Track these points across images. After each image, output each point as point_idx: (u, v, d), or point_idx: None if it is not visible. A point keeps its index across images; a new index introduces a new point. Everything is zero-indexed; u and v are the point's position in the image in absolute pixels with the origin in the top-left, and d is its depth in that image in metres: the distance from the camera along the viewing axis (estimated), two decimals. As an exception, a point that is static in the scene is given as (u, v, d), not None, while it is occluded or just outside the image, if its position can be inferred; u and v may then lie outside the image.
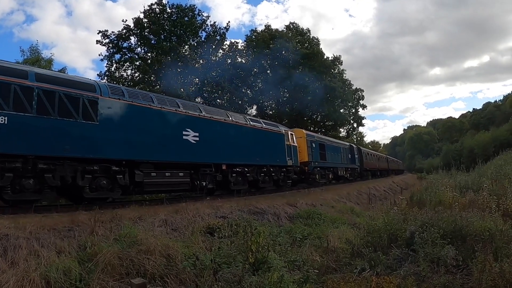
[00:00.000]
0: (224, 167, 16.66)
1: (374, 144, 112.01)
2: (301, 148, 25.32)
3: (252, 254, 7.11)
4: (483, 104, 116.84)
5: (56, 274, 5.61)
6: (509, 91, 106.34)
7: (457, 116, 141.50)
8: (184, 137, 14.54)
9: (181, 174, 14.23)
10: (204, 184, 15.33)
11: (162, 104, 14.00)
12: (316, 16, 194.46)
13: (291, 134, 23.55)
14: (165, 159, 13.78)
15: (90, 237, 7.04)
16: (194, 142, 14.91)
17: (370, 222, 10.34)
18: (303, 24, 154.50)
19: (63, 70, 31.63)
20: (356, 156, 39.87)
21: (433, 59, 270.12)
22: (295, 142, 23.86)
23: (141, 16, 35.17)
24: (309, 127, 45.77)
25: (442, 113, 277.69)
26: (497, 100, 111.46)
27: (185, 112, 14.86)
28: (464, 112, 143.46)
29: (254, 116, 36.20)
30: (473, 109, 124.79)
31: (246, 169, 18.21)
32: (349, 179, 36.10)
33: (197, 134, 15.05)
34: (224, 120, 17.22)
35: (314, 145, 27.56)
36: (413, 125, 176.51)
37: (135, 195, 14.15)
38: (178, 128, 14.44)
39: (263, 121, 21.81)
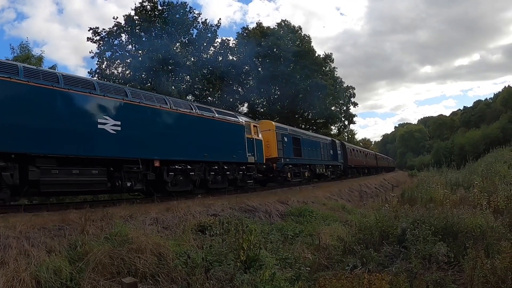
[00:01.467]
0: (157, 163, 13.73)
1: (365, 142, 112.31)
2: (270, 142, 22.76)
3: (244, 252, 7.12)
4: (474, 102, 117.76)
5: (46, 274, 5.57)
6: (499, 89, 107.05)
7: (448, 114, 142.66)
8: (100, 126, 11.72)
9: (94, 171, 11.49)
10: (129, 185, 12.70)
11: (71, 85, 11.31)
12: (307, 14, 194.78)
13: (254, 126, 20.73)
14: (72, 152, 11.10)
15: (81, 236, 6.99)
16: (113, 132, 12.10)
17: (361, 219, 10.41)
18: (295, 22, 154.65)
19: (53, 67, 31.45)
20: (339, 152, 37.31)
21: (424, 57, 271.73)
22: (260, 136, 21.07)
23: (132, 13, 35.07)
24: (300, 125, 45.84)
25: (433, 111, 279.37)
26: (488, 98, 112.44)
27: (103, 96, 12.00)
28: (455, 110, 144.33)
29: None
30: (464, 107, 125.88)
31: (189, 167, 15.20)
32: (331, 178, 33.58)
33: (118, 123, 12.25)
34: (160, 106, 14.22)
35: (286, 139, 24.79)
36: (404, 123, 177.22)
37: (30, 196, 12.30)
38: (91, 115, 11.67)
39: (216, 110, 18.58)
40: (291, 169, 24.69)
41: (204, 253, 7.19)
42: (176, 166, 14.62)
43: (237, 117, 19.60)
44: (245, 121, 19.88)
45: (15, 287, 5.24)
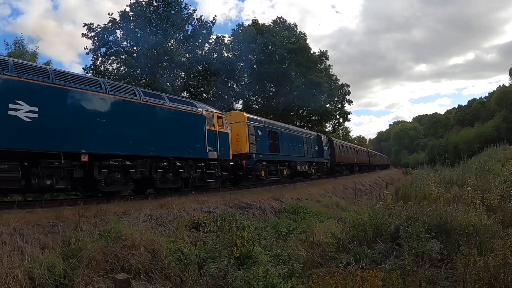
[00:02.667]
0: (85, 158, 11.53)
1: (360, 139, 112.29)
2: (240, 136, 20.53)
3: (237, 249, 7.13)
4: (469, 101, 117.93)
5: (40, 271, 5.57)
6: (494, 88, 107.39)
7: (442, 112, 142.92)
8: (11, 112, 9.82)
9: (3, 167, 9.71)
10: (49, 183, 10.74)
11: None
12: (302, 11, 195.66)
13: (219, 117, 18.02)
14: None
15: (75, 232, 7.00)
16: (28, 120, 10.18)
17: (355, 217, 10.42)
18: (290, 19, 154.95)
19: (47, 63, 31.44)
20: (326, 148, 34.45)
21: (418, 55, 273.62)
22: (227, 128, 18.55)
23: (127, 9, 34.93)
24: (295, 122, 45.88)
25: (428, 109, 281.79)
26: (482, 97, 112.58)
27: (17, 77, 10.05)
28: (450, 108, 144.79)
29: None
30: (459, 105, 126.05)
31: (129, 163, 12.94)
32: (315, 176, 30.88)
33: (34, 109, 10.33)
34: (92, 91, 11.98)
35: (260, 133, 22.22)
36: (399, 121, 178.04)
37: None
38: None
39: (170, 97, 16.15)
40: (265, 166, 22.11)
41: (197, 249, 7.20)
42: (111, 162, 12.35)
43: (195, 106, 16.80)
44: (206, 111, 17.12)
45: (9, 283, 5.23)
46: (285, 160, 25.21)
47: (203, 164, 16.38)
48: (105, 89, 12.39)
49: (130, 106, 13.18)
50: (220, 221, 9.24)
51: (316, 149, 32.37)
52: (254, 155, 20.78)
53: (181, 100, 16.73)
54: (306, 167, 28.53)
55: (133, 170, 13.12)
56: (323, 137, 34.93)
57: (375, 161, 64.40)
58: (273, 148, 23.68)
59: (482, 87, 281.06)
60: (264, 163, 21.89)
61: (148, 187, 14.11)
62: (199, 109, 16.70)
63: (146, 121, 13.65)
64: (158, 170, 14.14)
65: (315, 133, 34.73)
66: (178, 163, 14.96)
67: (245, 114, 22.34)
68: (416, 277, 6.41)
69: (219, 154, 17.12)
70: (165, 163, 14.40)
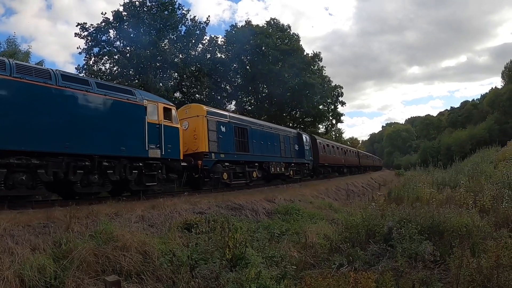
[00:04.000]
0: None
1: (353, 141, 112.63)
2: (198, 132, 17.71)
3: (230, 250, 7.13)
4: (461, 103, 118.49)
5: (30, 272, 5.52)
6: (486, 91, 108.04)
7: (435, 114, 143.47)
8: None
9: None
10: None
11: None
12: (296, 13, 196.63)
13: (165, 108, 15.10)
14: None
15: (66, 233, 6.95)
16: None
17: (348, 218, 10.48)
18: (284, 21, 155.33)
19: (40, 63, 31.22)
20: (307, 147, 31.14)
21: (411, 58, 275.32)
22: (176, 122, 15.65)
23: (121, 9, 34.81)
24: (288, 123, 45.88)
25: (420, 111, 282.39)
26: (475, 99, 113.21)
27: None
28: (442, 110, 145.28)
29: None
30: (451, 107, 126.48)
31: (36, 161, 10.41)
32: (294, 178, 27.34)
33: None
34: None
35: (224, 129, 19.35)
36: (392, 123, 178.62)
37: None
38: None
39: (97, 82, 13.31)
40: (228, 168, 19.23)
41: (189, 251, 7.18)
42: (11, 160, 9.86)
43: (133, 94, 13.91)
44: (148, 100, 14.31)
45: (-2, 285, 5.19)
46: (256, 161, 22.19)
47: (141, 164, 13.63)
48: (9, 71, 10.01)
49: (42, 93, 10.71)
50: (212, 222, 9.22)
51: (296, 148, 29.24)
52: (213, 154, 17.97)
53: (113, 87, 13.87)
54: (283, 168, 25.32)
55: (43, 171, 10.58)
56: (304, 135, 31.78)
57: (366, 162, 63.10)
58: (240, 146, 20.89)
59: (474, 89, 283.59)
60: (227, 164, 19.10)
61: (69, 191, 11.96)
62: (138, 98, 13.88)
63: (63, 111, 11.16)
64: (78, 171, 11.52)
65: (295, 131, 31.96)
66: (105, 163, 12.30)
67: (205, 107, 19.26)
68: (409, 278, 6.42)
69: (163, 153, 14.40)
70: (87, 163, 11.75)
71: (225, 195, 13.94)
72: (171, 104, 16.02)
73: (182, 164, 15.76)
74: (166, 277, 6.61)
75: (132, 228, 8.06)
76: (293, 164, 27.69)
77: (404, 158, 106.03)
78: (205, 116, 18.14)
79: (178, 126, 15.70)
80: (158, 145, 14.17)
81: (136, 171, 13.43)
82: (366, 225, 9.28)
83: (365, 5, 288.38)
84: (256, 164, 22.06)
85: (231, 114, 22.14)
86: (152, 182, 14.23)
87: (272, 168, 23.48)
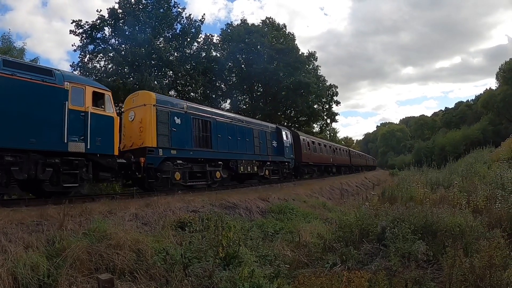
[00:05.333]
0: None
1: (347, 140, 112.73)
2: (144, 124, 15.07)
3: (223, 249, 7.13)
4: (455, 103, 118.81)
5: (23, 270, 5.51)
6: (480, 92, 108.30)
7: (429, 115, 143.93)
8: None
9: None
10: None
11: None
12: (291, 13, 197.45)
13: (95, 93, 12.58)
14: None
15: (59, 231, 6.93)
16: None
17: (342, 217, 10.51)
18: (279, 20, 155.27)
19: (35, 60, 31.12)
20: (288, 144, 27.76)
21: (406, 58, 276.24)
22: (111, 110, 13.05)
23: (116, 6, 34.66)
24: (282, 122, 45.87)
25: (414, 111, 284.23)
26: (469, 100, 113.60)
27: None
28: (436, 110, 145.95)
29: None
30: (445, 108, 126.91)
31: None
32: (270, 179, 24.23)
33: None
34: None
35: (179, 121, 16.52)
36: (386, 122, 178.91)
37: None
38: None
39: (4, 59, 10.71)
40: (182, 166, 16.29)
41: (183, 249, 7.17)
42: None
43: (52, 75, 11.43)
44: (71, 82, 11.79)
45: (-9, 283, 5.17)
46: (219, 159, 19.09)
47: (57, 160, 11.16)
48: None
49: None
50: (206, 221, 9.21)
51: (274, 145, 25.97)
52: (160, 150, 15.14)
53: (25, 66, 11.40)
54: (255, 167, 22.21)
55: None
56: (284, 130, 28.32)
57: (358, 162, 61.13)
58: (201, 142, 18.02)
59: (468, 90, 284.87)
60: (179, 161, 16.12)
61: None
62: (57, 80, 11.38)
63: None
64: None
65: (273, 125, 28.22)
66: (9, 158, 10.00)
67: (155, 95, 16.31)
68: (402, 277, 6.46)
69: (89, 147, 11.86)
70: None
71: (219, 193, 13.94)
72: (106, 88, 13.52)
73: (118, 161, 13.29)
74: (159, 276, 6.61)
75: (125, 226, 8.05)
76: (269, 163, 24.56)
77: (398, 158, 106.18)
78: (154, 105, 15.41)
79: (113, 115, 13.08)
80: (82, 137, 11.72)
81: (51, 169, 11.04)
82: (360, 224, 9.31)
83: (360, 5, 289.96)
84: (220, 162, 19.07)
85: (190, 104, 18.67)
86: (73, 183, 11.63)
87: (242, 167, 20.67)
